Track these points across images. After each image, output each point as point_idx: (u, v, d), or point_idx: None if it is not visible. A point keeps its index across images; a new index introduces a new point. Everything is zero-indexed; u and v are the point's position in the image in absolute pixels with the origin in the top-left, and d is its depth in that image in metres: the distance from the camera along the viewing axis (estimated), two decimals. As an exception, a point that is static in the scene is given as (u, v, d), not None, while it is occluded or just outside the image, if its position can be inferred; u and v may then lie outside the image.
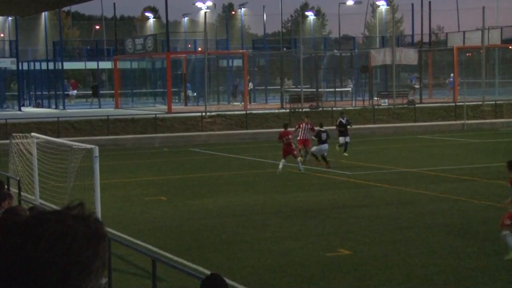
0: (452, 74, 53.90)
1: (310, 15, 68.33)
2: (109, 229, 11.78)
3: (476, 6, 51.63)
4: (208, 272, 11.27)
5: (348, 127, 31.52)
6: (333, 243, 15.51)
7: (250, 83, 51.77)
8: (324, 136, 27.70)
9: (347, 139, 31.42)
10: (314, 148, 27.98)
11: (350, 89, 54.62)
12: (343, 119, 32.15)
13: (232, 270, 13.63)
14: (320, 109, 46.52)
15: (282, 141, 27.08)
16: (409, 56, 50.59)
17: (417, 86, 54.27)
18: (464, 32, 55.54)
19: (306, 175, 26.23)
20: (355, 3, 63.52)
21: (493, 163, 27.67)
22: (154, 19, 71.49)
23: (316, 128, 28.42)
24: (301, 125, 28.84)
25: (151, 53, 50.24)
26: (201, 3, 64.16)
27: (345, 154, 30.78)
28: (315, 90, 51.70)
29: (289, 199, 21.18)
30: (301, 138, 28.63)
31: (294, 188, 23.31)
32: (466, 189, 22.53)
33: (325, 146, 27.71)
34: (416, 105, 47.46)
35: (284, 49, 54.00)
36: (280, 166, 26.55)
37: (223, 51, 55.44)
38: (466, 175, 25.18)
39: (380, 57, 50.30)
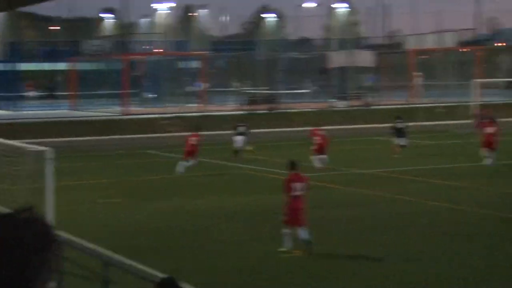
0: (418, 74, 53.74)
1: (269, 17, 68.21)
2: (60, 232, 11.44)
3: (433, 10, 51.54)
4: (162, 275, 11.26)
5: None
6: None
7: (202, 84, 51.22)
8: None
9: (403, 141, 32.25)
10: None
11: (308, 91, 54.85)
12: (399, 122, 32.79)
13: (187, 272, 13.59)
14: (278, 110, 46.47)
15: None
16: (366, 58, 51.17)
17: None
18: (420, 35, 56.28)
19: (262, 177, 26.15)
20: (314, 5, 63.58)
21: (445, 164, 27.93)
22: (112, 20, 70.72)
23: None
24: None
25: (108, 54, 49.72)
26: (160, 5, 63.60)
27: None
28: (273, 92, 51.75)
29: (246, 201, 21.08)
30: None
31: (249, 190, 23.21)
32: (419, 190, 22.60)
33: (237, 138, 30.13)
34: (372, 107, 47.77)
35: (243, 51, 53.66)
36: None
37: (182, 53, 55.12)
38: (420, 176, 25.26)
39: (337, 59, 50.80)
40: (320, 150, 28.45)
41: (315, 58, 54.45)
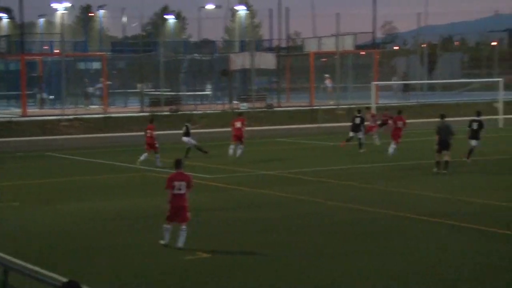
0: (327, 76, 54.59)
1: (171, 19, 67.74)
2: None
3: (331, 13, 53.28)
4: (64, 279, 10.97)
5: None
6: (193, 247, 15.34)
7: (102, 86, 50.52)
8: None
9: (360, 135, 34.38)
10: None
11: (209, 92, 54.68)
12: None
13: (91, 276, 13.39)
14: (180, 112, 46.29)
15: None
16: (268, 61, 51.00)
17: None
18: (319, 37, 56.64)
19: (162, 179, 26.12)
20: (215, 7, 63.47)
21: (345, 165, 28.37)
22: (8, 19, 68.64)
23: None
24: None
25: (4, 54, 48.29)
26: (58, 4, 62.17)
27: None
28: (175, 93, 51.33)
29: (150, 203, 20.89)
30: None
31: (155, 192, 22.89)
32: (321, 190, 22.87)
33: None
34: (275, 109, 47.91)
35: (144, 52, 52.88)
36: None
37: (81, 53, 53.91)
38: (322, 177, 25.54)
39: (239, 61, 50.36)
40: (239, 138, 31.24)
41: (217, 60, 54.36)
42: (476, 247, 15.24)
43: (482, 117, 29.18)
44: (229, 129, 42.80)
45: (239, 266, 13.97)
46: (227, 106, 50.22)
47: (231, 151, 31.33)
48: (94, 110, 48.45)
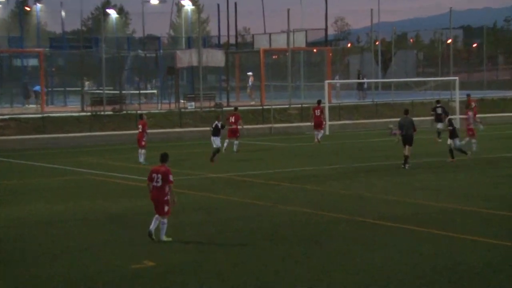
0: (250, 74, 53.22)
1: (112, 13, 65.23)
2: None
3: (282, 9, 50.45)
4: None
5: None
6: (139, 254, 14.77)
7: (39, 85, 48.68)
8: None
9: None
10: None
11: (155, 91, 52.86)
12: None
13: (30, 283, 12.93)
14: (124, 112, 44.56)
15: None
16: (216, 58, 49.45)
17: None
18: (270, 34, 55.22)
19: (113, 183, 25.12)
20: (160, 2, 61.37)
21: (298, 167, 27.81)
22: None
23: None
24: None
25: None
26: (-7, -3, 59.18)
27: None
28: (118, 92, 49.64)
29: (94, 207, 20.41)
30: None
31: (99, 195, 22.29)
32: (273, 193, 22.19)
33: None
34: (224, 109, 46.49)
35: (85, 48, 50.21)
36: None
37: (17, 49, 51.41)
38: (272, 180, 24.76)
39: (186, 58, 48.66)
40: (234, 134, 33.76)
41: (163, 57, 52.59)
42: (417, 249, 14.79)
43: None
44: (178, 129, 41.55)
45: (185, 273, 13.37)
46: (173, 106, 48.69)
47: (225, 145, 33.31)
48: (31, 110, 46.63)
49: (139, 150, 29.85)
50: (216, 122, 31.12)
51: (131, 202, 20.59)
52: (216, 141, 30.47)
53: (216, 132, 30.65)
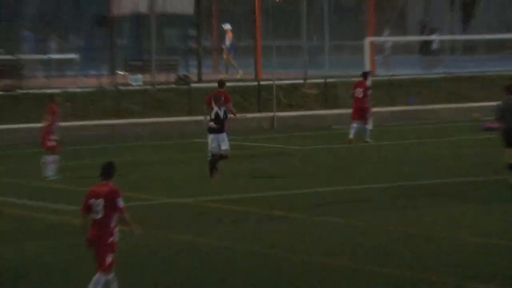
0: (227, 28, 40.95)
1: None
2: None
3: None
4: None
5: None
6: None
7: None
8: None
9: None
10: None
11: (75, 56, 41.31)
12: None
13: None
14: (21, 91, 35.01)
15: None
16: (181, 2, 38.98)
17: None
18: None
19: None
20: None
21: (319, 186, 24.00)
22: None
23: None
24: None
25: None
26: None
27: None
28: (11, 57, 38.38)
29: None
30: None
31: None
32: (276, 233, 18.54)
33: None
34: (192, 85, 36.34)
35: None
36: None
37: None
38: (277, 209, 21.05)
39: (130, 1, 38.53)
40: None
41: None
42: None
43: None
44: (114, 120, 34.74)
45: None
46: (105, 80, 37.61)
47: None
48: None
49: (45, 157, 24.60)
50: (216, 108, 23.91)
51: (25, 251, 17.15)
52: (214, 142, 24.42)
53: (216, 126, 24.43)
